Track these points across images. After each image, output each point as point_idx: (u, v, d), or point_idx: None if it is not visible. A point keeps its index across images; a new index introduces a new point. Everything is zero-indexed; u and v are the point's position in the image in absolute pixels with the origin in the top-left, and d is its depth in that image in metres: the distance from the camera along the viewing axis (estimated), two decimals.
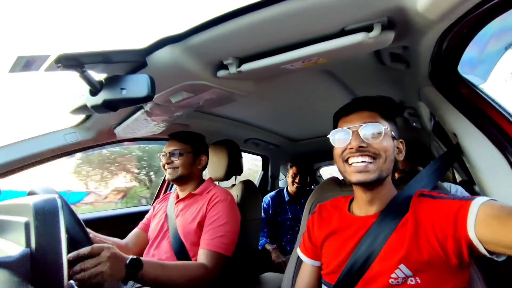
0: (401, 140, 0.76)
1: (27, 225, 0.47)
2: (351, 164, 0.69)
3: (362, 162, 0.67)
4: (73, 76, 0.64)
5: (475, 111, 0.81)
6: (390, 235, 0.67)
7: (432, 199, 0.66)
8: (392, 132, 0.71)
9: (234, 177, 1.49)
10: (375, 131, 0.67)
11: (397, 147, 0.74)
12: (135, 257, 0.78)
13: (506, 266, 0.71)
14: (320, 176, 3.51)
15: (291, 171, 2.20)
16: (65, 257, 0.46)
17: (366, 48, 0.71)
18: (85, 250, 0.66)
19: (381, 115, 0.72)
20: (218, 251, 1.04)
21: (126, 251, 1.21)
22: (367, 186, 0.70)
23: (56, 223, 0.47)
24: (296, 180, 2.15)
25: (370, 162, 0.67)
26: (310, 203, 1.11)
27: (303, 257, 0.87)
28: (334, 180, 1.14)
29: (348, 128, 0.70)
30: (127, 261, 0.75)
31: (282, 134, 2.04)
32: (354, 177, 0.68)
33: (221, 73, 0.84)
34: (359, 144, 0.67)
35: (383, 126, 0.68)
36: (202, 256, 1.03)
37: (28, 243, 0.46)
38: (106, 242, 1.14)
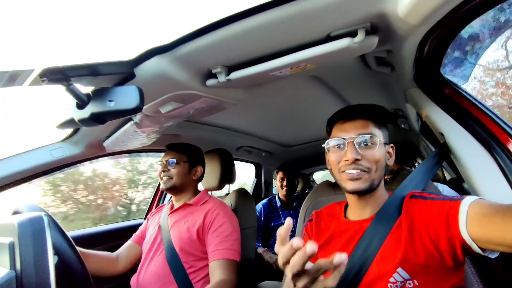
0: (391, 145, 0.77)
1: (11, 246, 0.44)
2: (345, 173, 0.71)
3: (356, 172, 0.69)
4: (59, 89, 0.62)
5: (459, 111, 0.84)
6: (385, 237, 0.67)
7: (424, 200, 0.67)
8: (384, 139, 0.74)
9: (227, 186, 1.48)
10: (369, 143, 0.70)
11: (388, 152, 0.75)
12: None
13: (500, 263, 0.72)
14: (314, 181, 3.52)
15: (278, 176, 2.25)
16: (53, 278, 0.44)
17: (351, 53, 0.72)
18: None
19: (374, 123, 0.74)
20: (233, 258, 1.07)
21: (115, 264, 1.19)
22: (360, 194, 0.72)
23: (42, 242, 0.45)
24: (284, 184, 2.19)
25: (363, 171, 0.69)
26: (305, 207, 1.11)
27: None
28: (327, 183, 1.15)
29: (344, 138, 0.72)
30: None
31: (274, 140, 2.05)
32: (349, 186, 0.71)
33: (210, 82, 0.84)
34: (355, 157, 0.69)
35: (376, 137, 0.70)
36: (217, 269, 1.03)
37: (13, 265, 0.44)
38: (94, 256, 1.11)
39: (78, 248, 0.91)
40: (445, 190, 1.53)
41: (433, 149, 1.48)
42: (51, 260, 0.44)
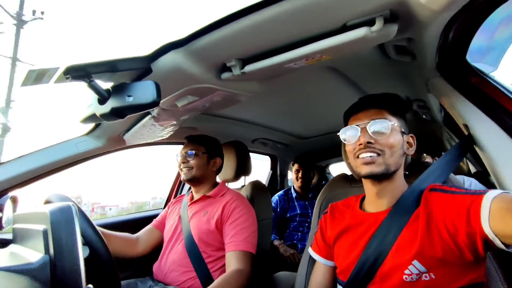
0: (411, 135, 0.76)
1: (45, 233, 0.48)
2: (360, 158, 0.72)
3: (370, 156, 0.70)
4: (81, 86, 0.66)
5: (486, 100, 0.79)
6: (402, 229, 0.66)
7: (444, 193, 0.65)
8: (401, 128, 0.73)
9: (243, 178, 1.50)
10: (382, 126, 0.70)
11: (407, 142, 0.74)
12: None
13: None
14: (329, 173, 3.48)
15: (294, 168, 2.27)
16: (82, 262, 0.48)
17: (369, 42, 0.70)
18: None
19: (389, 111, 0.73)
20: (249, 250, 1.09)
21: (135, 246, 1.25)
22: (375, 178, 0.72)
23: (72, 230, 0.49)
24: (300, 175, 2.22)
25: (377, 155, 0.70)
26: (321, 200, 1.11)
27: (316, 256, 0.87)
28: (343, 176, 1.13)
29: (357, 125, 0.73)
30: None
31: (290, 132, 2.03)
32: (363, 170, 0.71)
33: (225, 75, 0.85)
34: (367, 140, 0.70)
35: (390, 122, 0.70)
36: (233, 259, 1.06)
37: (47, 250, 0.48)
38: (115, 237, 1.18)
39: (100, 229, 0.97)
40: (473, 184, 1.45)
41: (456, 140, 1.41)
42: (80, 246, 0.48)
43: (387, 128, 0.70)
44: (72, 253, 0.47)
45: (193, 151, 1.25)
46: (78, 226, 0.49)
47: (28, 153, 1.08)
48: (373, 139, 0.70)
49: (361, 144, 0.70)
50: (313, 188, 2.30)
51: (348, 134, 0.75)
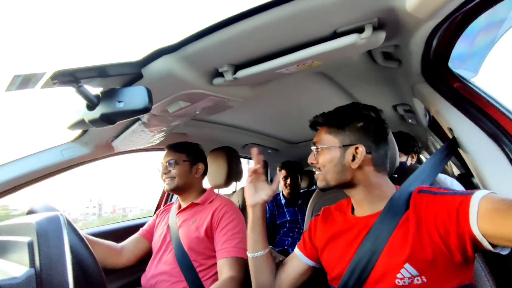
0: (356, 146, 0.74)
1: (30, 245, 0.46)
2: None
3: (316, 173, 0.81)
4: (69, 91, 0.64)
5: (468, 105, 0.83)
6: (392, 233, 0.67)
7: (433, 195, 0.66)
8: (340, 142, 0.76)
9: (234, 183, 1.49)
10: (318, 149, 0.79)
11: (353, 155, 0.74)
12: None
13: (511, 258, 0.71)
14: None
15: (281, 174, 2.24)
16: (70, 275, 0.46)
17: (358, 49, 0.72)
18: None
19: (328, 129, 0.79)
20: (241, 256, 1.07)
21: (119, 255, 1.20)
22: (323, 191, 0.83)
23: (60, 241, 0.46)
24: (288, 182, 2.19)
25: (320, 172, 0.79)
26: (313, 204, 1.11)
27: (298, 252, 0.88)
28: None
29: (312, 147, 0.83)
30: None
31: (280, 137, 2.05)
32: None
33: (217, 80, 0.84)
34: (310, 161, 0.81)
35: (323, 144, 0.78)
36: (225, 267, 1.04)
37: (32, 263, 0.45)
38: (98, 244, 1.13)
39: (84, 234, 0.94)
40: (454, 183, 1.51)
41: (441, 144, 1.46)
42: (69, 258, 0.46)
43: (317, 149, 0.79)
44: (60, 266, 0.45)
45: (174, 160, 1.22)
46: (67, 237, 0.47)
47: (9, 161, 1.03)
48: (316, 160, 0.79)
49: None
50: (303, 194, 2.30)
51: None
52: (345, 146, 0.75)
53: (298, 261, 0.88)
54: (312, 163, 0.81)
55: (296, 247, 0.92)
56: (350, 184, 0.76)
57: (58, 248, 0.46)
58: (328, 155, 0.77)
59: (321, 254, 0.83)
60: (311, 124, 0.86)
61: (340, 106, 0.82)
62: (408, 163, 1.58)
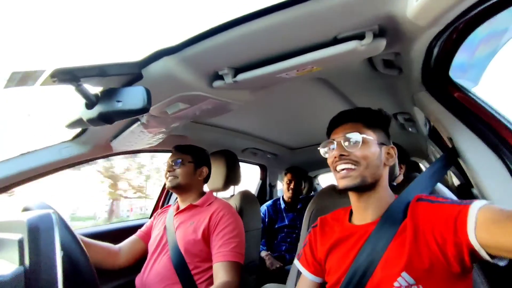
0: (391, 145, 0.78)
1: (20, 242, 0.45)
2: (338, 171, 0.74)
3: (345, 168, 0.73)
4: (68, 90, 0.64)
5: (468, 115, 0.82)
6: (390, 242, 0.66)
7: (431, 203, 0.66)
8: (378, 139, 0.75)
9: (232, 187, 1.48)
10: (353, 140, 0.73)
11: (387, 153, 0.76)
12: None
13: (509, 269, 0.70)
14: (319, 184, 3.50)
15: (286, 178, 2.25)
16: (60, 275, 0.45)
17: (359, 56, 0.72)
18: None
19: (364, 124, 0.76)
20: (237, 260, 1.07)
21: (116, 257, 1.19)
22: (354, 191, 0.75)
23: (51, 240, 0.46)
24: (291, 186, 2.20)
25: (352, 169, 0.72)
26: (310, 211, 1.10)
27: (303, 270, 0.86)
28: (332, 187, 1.14)
29: (333, 139, 0.77)
30: None
31: (279, 142, 2.04)
32: (340, 184, 0.73)
33: (217, 83, 0.85)
34: (340, 153, 0.73)
35: (363, 135, 0.73)
36: (220, 271, 1.04)
37: (22, 261, 0.45)
38: (95, 246, 1.12)
39: (80, 237, 0.93)
40: (453, 197, 1.50)
41: (441, 153, 1.45)
42: (59, 257, 0.45)
43: (359, 140, 0.73)
44: (49, 264, 0.44)
45: (180, 160, 1.24)
46: (58, 235, 0.46)
47: (7, 159, 1.03)
48: (347, 152, 0.72)
49: (335, 156, 0.74)
50: (302, 199, 2.30)
51: (326, 148, 0.80)
52: (382, 144, 0.76)
53: (307, 281, 0.84)
54: (343, 155, 0.72)
55: (299, 264, 0.88)
56: (373, 185, 0.73)
57: (48, 246, 0.45)
58: (371, 148, 0.73)
59: (324, 265, 0.82)
60: (340, 117, 0.79)
61: (368, 108, 0.80)
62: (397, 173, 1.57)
